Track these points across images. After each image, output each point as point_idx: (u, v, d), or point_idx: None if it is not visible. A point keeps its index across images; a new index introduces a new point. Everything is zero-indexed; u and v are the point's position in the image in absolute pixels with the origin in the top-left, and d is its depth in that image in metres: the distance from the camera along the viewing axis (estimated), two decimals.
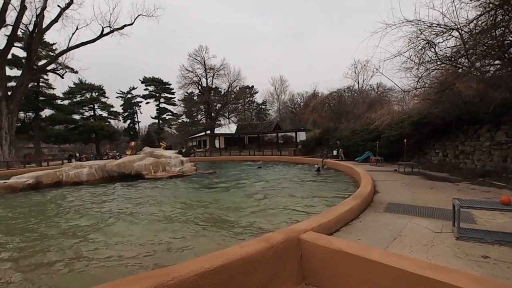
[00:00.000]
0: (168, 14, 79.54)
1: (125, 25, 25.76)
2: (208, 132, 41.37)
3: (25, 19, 21.20)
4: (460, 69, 7.20)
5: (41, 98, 36.45)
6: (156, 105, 53.82)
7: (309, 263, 2.37)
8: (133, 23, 26.16)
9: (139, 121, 56.30)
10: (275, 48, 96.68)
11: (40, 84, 36.51)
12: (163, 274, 1.63)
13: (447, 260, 2.50)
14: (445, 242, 2.94)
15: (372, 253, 2.00)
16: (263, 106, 61.48)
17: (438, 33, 6.91)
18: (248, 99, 60.38)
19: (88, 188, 9.76)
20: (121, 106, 53.89)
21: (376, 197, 5.35)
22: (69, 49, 24.34)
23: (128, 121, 54.88)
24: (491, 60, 6.97)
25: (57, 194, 8.70)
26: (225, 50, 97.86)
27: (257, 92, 60.91)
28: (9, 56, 24.41)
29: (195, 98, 45.39)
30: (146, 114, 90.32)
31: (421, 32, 6.99)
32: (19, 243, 4.16)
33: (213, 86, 42.89)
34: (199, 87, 42.10)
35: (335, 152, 16.68)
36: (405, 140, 9.98)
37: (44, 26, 22.36)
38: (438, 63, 7.45)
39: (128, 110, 54.37)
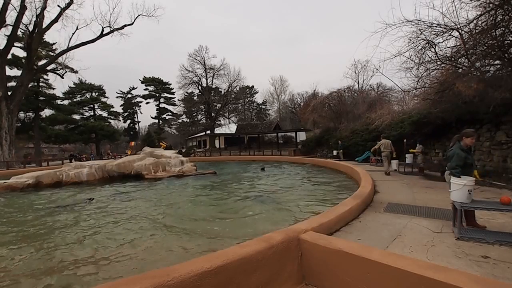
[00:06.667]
0: (166, 18, 79.63)
1: (125, 25, 25.75)
2: (208, 132, 41.37)
3: (25, 19, 21.21)
4: (460, 69, 7.20)
5: (41, 98, 36.46)
6: (156, 105, 53.87)
7: (309, 263, 2.37)
8: (133, 23, 26.16)
9: (139, 121, 56.39)
10: (271, 52, 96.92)
11: (40, 84, 36.53)
12: (163, 274, 1.63)
13: (447, 260, 2.50)
14: (445, 242, 2.94)
15: (372, 253, 2.00)
16: (263, 106, 61.48)
17: (438, 33, 6.92)
18: (248, 99, 60.37)
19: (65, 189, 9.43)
20: (121, 106, 53.97)
21: (376, 197, 5.35)
22: (69, 49, 24.33)
23: (128, 121, 54.93)
24: (491, 60, 6.97)
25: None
26: (222, 54, 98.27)
27: (257, 92, 61.01)
28: (9, 56, 24.39)
29: (195, 98, 45.41)
30: (146, 114, 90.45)
31: (421, 32, 7.00)
32: None
33: (213, 86, 42.90)
34: (199, 87, 42.11)
35: (335, 152, 16.70)
36: (405, 140, 9.99)
37: (44, 26, 22.33)
38: (438, 63, 7.46)
39: (128, 110, 54.37)
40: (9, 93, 21.81)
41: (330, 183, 8.31)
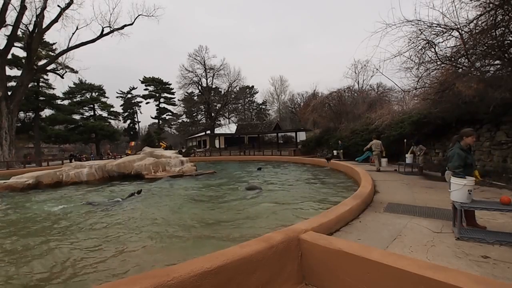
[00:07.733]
0: (166, 19, 79.40)
1: (125, 25, 25.75)
2: (208, 132, 41.36)
3: (25, 19, 21.23)
4: (460, 69, 7.19)
5: (41, 98, 36.43)
6: (156, 105, 53.79)
7: (309, 263, 2.37)
8: (133, 23, 26.16)
9: (139, 121, 56.33)
10: (271, 52, 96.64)
11: (40, 84, 36.49)
12: (163, 274, 1.63)
13: (447, 260, 2.50)
14: (445, 242, 2.94)
15: (372, 253, 2.00)
16: (263, 106, 61.42)
17: (438, 33, 6.91)
18: (248, 99, 60.32)
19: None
20: (121, 106, 53.90)
21: (376, 197, 5.35)
22: (69, 49, 24.33)
23: (128, 121, 54.85)
24: (491, 60, 6.96)
25: None
26: (222, 54, 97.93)
27: (257, 92, 60.93)
28: (9, 56, 24.39)
29: (195, 98, 45.39)
30: (146, 114, 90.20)
31: (421, 32, 7.00)
32: None
33: (213, 86, 42.90)
34: (199, 87, 42.10)
35: (335, 152, 16.70)
36: (405, 140, 9.98)
37: (44, 26, 22.33)
38: (438, 63, 7.45)
39: (128, 110, 54.31)
40: (9, 93, 21.81)
41: (325, 181, 8.35)
